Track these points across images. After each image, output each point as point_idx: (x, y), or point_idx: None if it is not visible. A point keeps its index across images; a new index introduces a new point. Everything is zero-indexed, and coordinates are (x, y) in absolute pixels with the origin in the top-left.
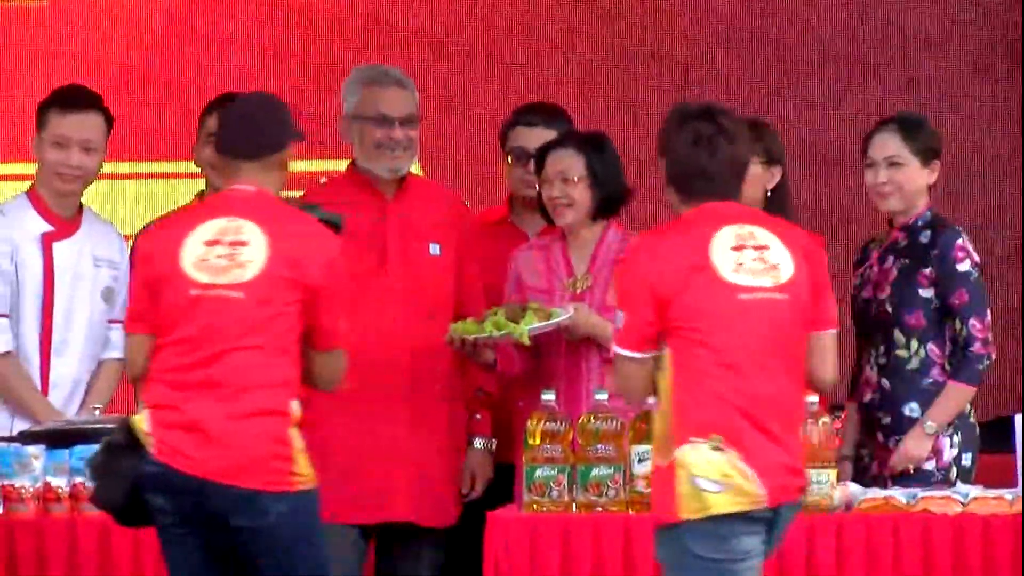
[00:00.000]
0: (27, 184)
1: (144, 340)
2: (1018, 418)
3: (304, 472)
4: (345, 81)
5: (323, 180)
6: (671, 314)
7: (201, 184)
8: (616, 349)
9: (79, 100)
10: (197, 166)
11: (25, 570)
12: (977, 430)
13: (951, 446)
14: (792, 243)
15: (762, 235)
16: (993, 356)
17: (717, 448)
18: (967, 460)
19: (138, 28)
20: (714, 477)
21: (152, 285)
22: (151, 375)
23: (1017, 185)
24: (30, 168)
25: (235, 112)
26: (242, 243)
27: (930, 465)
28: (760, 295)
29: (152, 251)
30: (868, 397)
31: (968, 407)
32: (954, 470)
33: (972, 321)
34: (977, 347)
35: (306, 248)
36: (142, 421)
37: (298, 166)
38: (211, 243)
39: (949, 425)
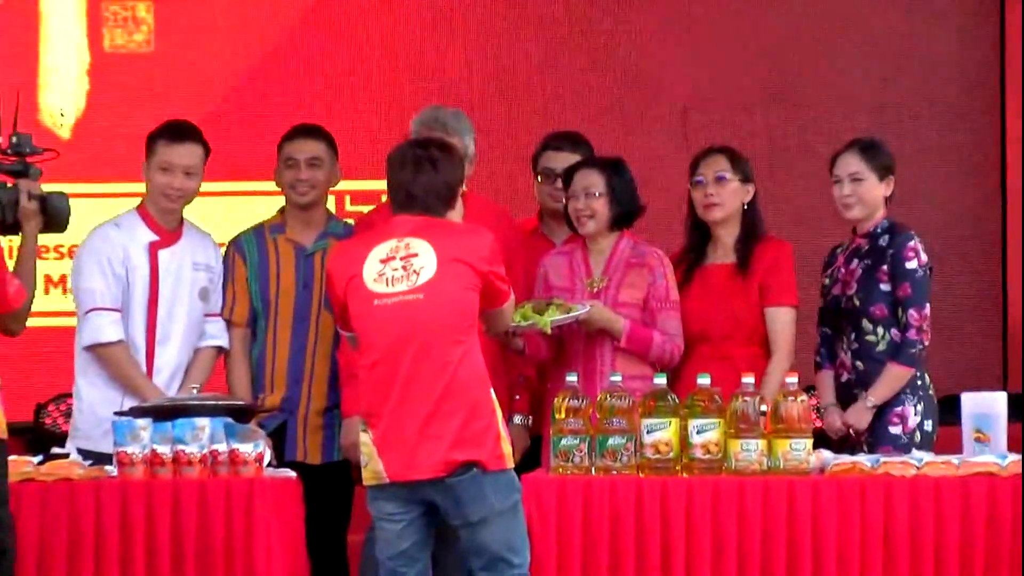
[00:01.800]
0: (137, 201)
1: None
2: (964, 396)
3: None
4: (411, 121)
5: (384, 198)
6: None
7: (281, 200)
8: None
9: (182, 132)
10: (278, 186)
11: (135, 523)
12: (935, 402)
13: (915, 414)
14: (448, 252)
15: (417, 245)
16: (926, 342)
17: (364, 430)
18: (928, 426)
19: (232, 71)
20: (366, 452)
21: None
22: None
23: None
24: (140, 187)
25: None
26: None
27: (897, 430)
28: (394, 299)
29: None
30: (845, 377)
31: (928, 382)
32: (918, 435)
33: (911, 311)
34: (912, 333)
35: None
36: None
37: (377, 184)
38: None
39: (914, 396)
